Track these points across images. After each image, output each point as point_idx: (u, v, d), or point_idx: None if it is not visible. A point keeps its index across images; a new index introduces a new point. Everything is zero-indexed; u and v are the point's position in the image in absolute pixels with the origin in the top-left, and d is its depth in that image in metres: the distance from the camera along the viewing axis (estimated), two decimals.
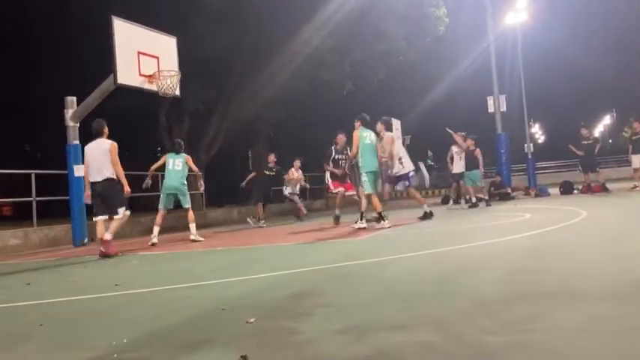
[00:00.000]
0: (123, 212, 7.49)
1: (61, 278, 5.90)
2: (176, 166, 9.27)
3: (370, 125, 9.48)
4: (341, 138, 11.04)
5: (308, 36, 18.09)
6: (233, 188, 10.57)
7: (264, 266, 5.47)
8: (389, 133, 9.92)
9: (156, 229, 9.04)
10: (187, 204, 9.29)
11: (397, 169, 9.96)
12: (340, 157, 10.93)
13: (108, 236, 7.31)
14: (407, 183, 10.20)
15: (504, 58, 23.35)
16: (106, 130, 7.68)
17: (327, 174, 11.13)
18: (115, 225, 7.42)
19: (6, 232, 10.19)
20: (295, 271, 4.85)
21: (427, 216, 9.79)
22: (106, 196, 7.44)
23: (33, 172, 10.89)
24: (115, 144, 7.55)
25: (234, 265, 5.97)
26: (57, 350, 2.75)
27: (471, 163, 13.38)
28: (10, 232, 10.27)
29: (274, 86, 19.23)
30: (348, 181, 11.04)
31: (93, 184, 7.49)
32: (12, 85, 19.21)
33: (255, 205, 13.11)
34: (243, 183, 13.22)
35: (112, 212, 7.44)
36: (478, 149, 13.48)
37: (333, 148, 11.04)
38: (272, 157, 13.39)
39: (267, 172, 13.06)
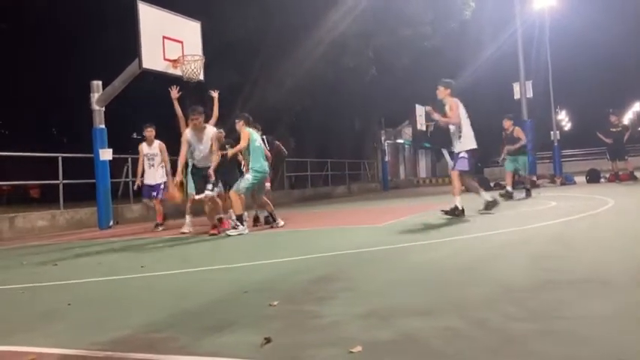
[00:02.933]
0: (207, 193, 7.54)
1: (87, 260, 6.00)
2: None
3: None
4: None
5: (332, 21, 17.98)
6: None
7: (287, 251, 5.49)
8: (454, 99, 7.99)
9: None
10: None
11: (454, 145, 8.00)
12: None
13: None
14: (454, 164, 8.02)
15: (531, 44, 22.95)
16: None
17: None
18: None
19: (33, 215, 10.39)
20: (318, 255, 4.86)
21: (455, 211, 7.81)
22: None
23: (60, 155, 11.07)
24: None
25: (257, 249, 6.00)
26: (85, 329, 2.79)
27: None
28: (37, 214, 10.47)
29: (298, 72, 19.17)
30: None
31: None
32: (40, 70, 19.47)
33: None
34: None
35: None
36: (517, 128, 11.96)
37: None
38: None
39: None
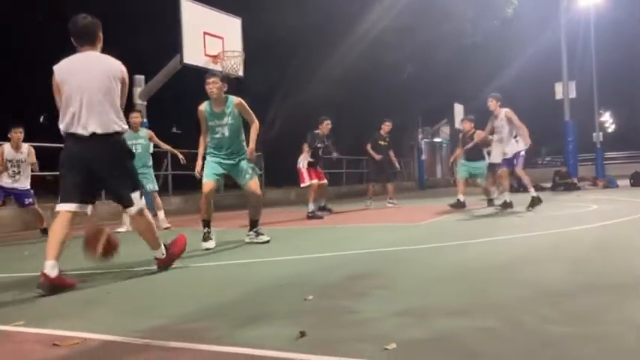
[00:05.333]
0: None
1: (128, 249, 6.14)
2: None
3: None
4: (327, 124, 9.95)
5: (371, 17, 17.91)
6: (292, 169, 10.27)
7: (321, 247, 5.51)
8: (506, 109, 8.84)
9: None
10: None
11: (512, 148, 8.72)
12: (321, 144, 9.87)
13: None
14: (515, 162, 8.74)
15: (575, 42, 22.37)
16: None
17: (304, 161, 9.76)
18: None
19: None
20: (352, 252, 4.87)
21: (507, 205, 8.80)
22: None
23: None
24: None
25: (291, 244, 6.05)
26: (125, 317, 2.87)
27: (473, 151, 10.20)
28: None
29: (335, 69, 19.18)
30: (320, 170, 10.02)
31: None
32: None
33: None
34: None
35: None
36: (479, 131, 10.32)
37: (316, 132, 9.86)
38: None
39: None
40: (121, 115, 3.92)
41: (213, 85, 5.54)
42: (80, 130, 3.76)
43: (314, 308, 2.84)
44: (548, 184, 16.00)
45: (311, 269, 4.13)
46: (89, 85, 3.77)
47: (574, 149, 18.05)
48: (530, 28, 25.48)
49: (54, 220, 3.81)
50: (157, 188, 8.68)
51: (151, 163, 8.47)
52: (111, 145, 3.85)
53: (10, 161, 7.87)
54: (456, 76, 23.98)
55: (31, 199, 8.12)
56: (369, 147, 11.85)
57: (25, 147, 8.02)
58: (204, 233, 5.65)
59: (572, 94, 18.37)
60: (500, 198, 9.30)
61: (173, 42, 9.79)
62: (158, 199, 8.57)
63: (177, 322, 2.69)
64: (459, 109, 22.16)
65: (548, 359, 1.95)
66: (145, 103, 10.74)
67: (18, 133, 7.89)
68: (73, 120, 3.77)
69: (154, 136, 8.47)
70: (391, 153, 12.00)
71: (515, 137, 8.74)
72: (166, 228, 8.19)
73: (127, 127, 4.00)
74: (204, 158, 5.78)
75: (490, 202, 9.72)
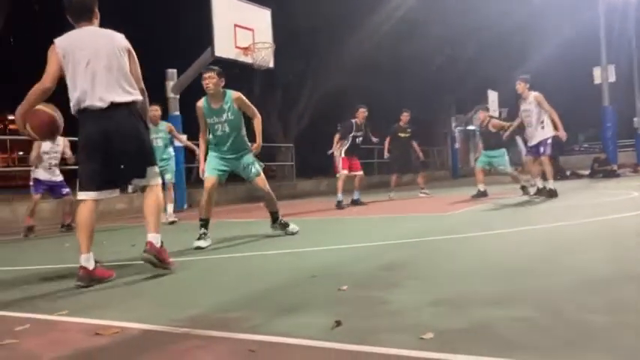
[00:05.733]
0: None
1: (164, 240, 6.25)
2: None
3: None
4: (362, 112, 9.82)
5: (404, 4, 17.71)
6: (322, 160, 10.24)
7: (354, 237, 5.50)
8: (535, 92, 8.62)
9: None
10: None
11: (537, 135, 8.56)
12: (358, 133, 9.79)
13: None
14: (542, 150, 8.57)
15: (613, 24, 21.66)
16: None
17: (342, 149, 9.73)
18: None
19: (113, 198, 10.91)
20: (385, 243, 4.85)
21: (551, 193, 8.61)
22: None
23: None
24: None
25: (322, 235, 6.06)
26: (163, 306, 2.93)
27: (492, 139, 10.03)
28: (116, 197, 10.97)
29: (365, 57, 19.06)
30: (357, 159, 10.03)
31: None
32: None
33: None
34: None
35: None
36: (495, 120, 10.48)
37: (353, 122, 9.77)
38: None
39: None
40: (134, 85, 3.77)
41: (209, 81, 5.27)
42: (97, 103, 3.61)
43: (348, 298, 2.84)
44: (586, 172, 15.63)
45: (344, 260, 4.13)
46: (97, 60, 3.62)
47: (613, 135, 17.57)
48: (566, 10, 24.80)
49: (78, 212, 3.78)
50: (174, 180, 8.73)
51: (171, 155, 8.55)
52: (129, 114, 3.71)
53: (46, 153, 8.02)
54: (490, 61, 23.56)
55: (67, 189, 8.25)
56: (387, 140, 11.75)
57: (60, 139, 8.13)
58: (201, 234, 5.34)
59: (612, 79, 17.85)
60: (533, 186, 9.10)
61: (205, 35, 9.87)
62: (172, 192, 8.60)
63: (214, 311, 2.72)
64: (493, 96, 21.77)
65: (588, 349, 1.91)
66: (178, 96, 10.88)
67: None
68: (85, 96, 3.61)
69: (174, 129, 8.56)
70: (414, 143, 11.82)
71: (542, 123, 8.50)
72: (172, 222, 8.23)
73: (140, 97, 3.80)
74: (206, 156, 5.63)
75: (524, 189, 9.53)
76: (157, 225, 3.86)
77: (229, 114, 5.39)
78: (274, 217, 5.84)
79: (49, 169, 8.08)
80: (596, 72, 18.07)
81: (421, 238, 5.06)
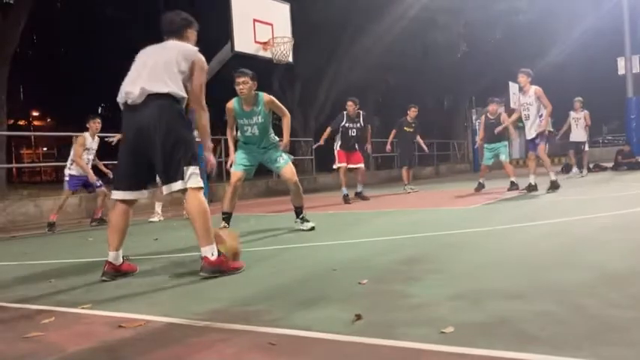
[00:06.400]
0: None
1: (184, 235, 6.33)
2: None
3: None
4: (350, 105, 9.84)
5: None
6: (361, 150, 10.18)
7: (373, 231, 5.50)
8: (536, 86, 8.77)
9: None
10: None
11: (534, 130, 8.78)
12: (350, 125, 9.77)
13: None
14: (537, 141, 8.81)
15: (637, 13, 21.20)
16: None
17: (337, 143, 9.84)
18: None
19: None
20: (405, 236, 4.84)
21: (553, 184, 8.75)
22: None
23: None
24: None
25: (344, 228, 6.06)
26: (185, 300, 2.97)
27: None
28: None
29: (384, 51, 18.96)
30: (357, 152, 9.94)
31: None
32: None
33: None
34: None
35: None
36: (505, 114, 10.45)
37: (344, 113, 9.81)
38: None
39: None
40: (181, 87, 3.59)
41: (243, 86, 5.38)
42: (136, 98, 3.51)
43: (368, 292, 2.85)
44: (610, 164, 15.38)
45: (363, 254, 4.13)
46: (153, 59, 3.63)
47: (638, 127, 17.23)
48: (588, 1, 24.37)
49: (111, 210, 3.81)
50: None
51: None
52: (165, 106, 3.50)
53: (87, 149, 8.29)
54: (509, 54, 23.26)
55: (100, 182, 8.47)
56: (392, 134, 11.77)
57: (96, 137, 8.52)
58: (221, 227, 5.25)
59: (636, 69, 17.49)
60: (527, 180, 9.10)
61: (225, 30, 9.90)
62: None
63: (234, 305, 2.76)
64: (514, 89, 21.49)
65: (610, 344, 1.90)
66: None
67: (97, 124, 8.42)
68: (127, 87, 3.57)
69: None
70: (419, 137, 11.82)
71: (541, 118, 8.70)
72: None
73: (185, 95, 3.62)
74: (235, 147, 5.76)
75: (512, 184, 9.65)
76: (206, 235, 3.50)
77: (260, 117, 5.52)
78: (298, 212, 5.88)
79: (87, 164, 8.31)
80: (620, 62, 17.73)
81: (441, 232, 5.04)
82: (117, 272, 3.66)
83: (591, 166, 15.07)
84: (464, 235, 4.83)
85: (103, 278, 3.62)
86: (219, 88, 8.30)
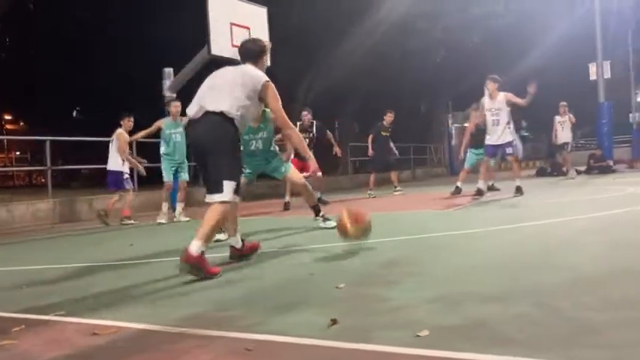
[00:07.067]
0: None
1: (160, 240, 6.27)
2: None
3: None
4: (305, 115, 10.05)
5: (399, 2, 17.70)
6: (320, 158, 10.15)
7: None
8: (504, 92, 8.97)
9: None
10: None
11: (504, 136, 8.92)
12: (303, 135, 9.21)
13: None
14: (510, 151, 9.00)
15: (610, 20, 21.67)
16: None
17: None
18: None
19: (111, 197, 10.89)
20: (383, 240, 4.85)
21: (519, 190, 8.88)
22: None
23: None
24: None
25: (321, 232, 6.05)
26: (161, 306, 2.93)
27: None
28: (114, 196, 10.96)
29: (362, 56, 19.04)
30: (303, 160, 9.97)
31: None
32: (114, 59, 20.34)
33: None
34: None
35: None
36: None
37: (298, 124, 9.76)
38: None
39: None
40: (239, 108, 3.79)
41: None
42: (197, 112, 3.81)
43: (346, 296, 2.85)
44: (582, 168, 15.66)
45: (340, 258, 4.13)
46: (222, 80, 3.93)
47: (609, 131, 17.57)
48: (563, 6, 24.82)
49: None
50: (187, 179, 8.80)
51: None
52: (217, 123, 3.74)
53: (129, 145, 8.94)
54: (487, 59, 23.55)
55: (131, 183, 9.11)
56: (370, 138, 11.84)
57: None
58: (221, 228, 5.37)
59: (607, 75, 17.86)
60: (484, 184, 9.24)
61: (201, 33, 9.86)
62: (184, 191, 8.66)
63: (211, 310, 2.73)
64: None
65: (585, 346, 1.92)
66: (175, 95, 10.86)
67: (131, 122, 8.80)
68: (192, 103, 3.89)
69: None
70: (390, 142, 12.01)
71: (509, 125, 8.89)
72: (179, 220, 8.33)
73: (239, 117, 3.82)
74: None
75: (492, 187, 9.90)
76: (205, 236, 3.64)
77: (265, 132, 5.82)
78: (315, 211, 6.01)
79: (123, 162, 8.75)
80: (592, 68, 18.09)
81: (419, 235, 5.06)
82: (240, 254, 4.10)
83: (564, 169, 15.31)
84: (443, 238, 4.86)
85: (230, 260, 4.07)
86: None
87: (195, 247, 3.52)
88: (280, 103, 4.07)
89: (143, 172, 9.01)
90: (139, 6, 18.29)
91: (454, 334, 2.10)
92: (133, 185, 9.10)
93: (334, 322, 2.32)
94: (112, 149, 8.81)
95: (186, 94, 11.77)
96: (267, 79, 4.01)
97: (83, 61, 20.75)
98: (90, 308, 2.95)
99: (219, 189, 3.71)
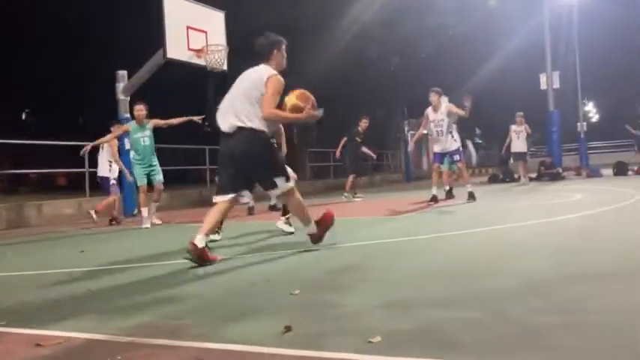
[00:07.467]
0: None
1: (112, 247, 6.11)
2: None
3: None
4: None
5: (355, 10, 17.87)
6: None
7: (307, 241, 5.49)
8: (446, 103, 9.54)
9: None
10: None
11: (449, 144, 9.44)
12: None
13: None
14: (457, 158, 9.54)
15: (559, 33, 22.47)
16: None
17: None
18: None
19: (60, 202, 10.59)
20: (339, 246, 4.86)
21: (472, 196, 9.10)
22: None
23: (86, 144, 11.23)
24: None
25: (277, 238, 6.03)
26: (110, 314, 2.84)
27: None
28: (64, 201, 10.67)
29: (320, 62, 19.11)
30: None
31: None
32: (67, 61, 19.79)
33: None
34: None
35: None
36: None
37: None
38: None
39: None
40: (259, 115, 4.25)
41: None
42: (225, 129, 4.30)
43: (300, 303, 2.83)
44: (534, 174, 16.13)
45: (297, 264, 4.12)
46: (237, 90, 4.38)
47: (558, 139, 18.17)
48: (515, 18, 25.59)
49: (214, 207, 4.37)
50: (162, 180, 8.61)
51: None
52: (247, 138, 4.24)
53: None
54: (441, 68, 24.02)
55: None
56: (342, 141, 12.23)
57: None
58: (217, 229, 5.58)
59: (556, 85, 18.47)
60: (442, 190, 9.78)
61: (157, 36, 9.70)
62: (159, 193, 8.58)
63: (161, 319, 2.67)
64: (444, 101, 22.18)
65: (531, 349, 1.96)
66: (128, 98, 10.65)
67: (122, 129, 8.73)
68: (219, 118, 4.36)
69: (159, 121, 8.52)
70: (364, 148, 12.36)
71: (451, 133, 9.43)
72: (153, 224, 8.21)
73: (260, 125, 4.26)
74: None
75: (449, 192, 10.06)
76: (307, 219, 4.65)
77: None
78: (285, 212, 6.08)
79: (110, 169, 8.91)
80: (542, 78, 18.68)
81: (375, 241, 5.10)
82: (198, 254, 4.10)
83: (516, 176, 15.74)
84: (397, 244, 4.91)
85: (186, 256, 4.10)
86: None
87: (311, 229, 4.63)
88: (276, 97, 4.32)
89: (130, 177, 8.98)
90: (93, 8, 17.88)
91: (405, 340, 2.12)
92: (120, 190, 9.49)
93: (288, 329, 2.30)
94: (102, 155, 9.14)
95: (140, 96, 11.60)
96: (271, 74, 4.34)
97: (33, 62, 20.11)
98: (34, 318, 2.84)
99: (274, 186, 4.39)
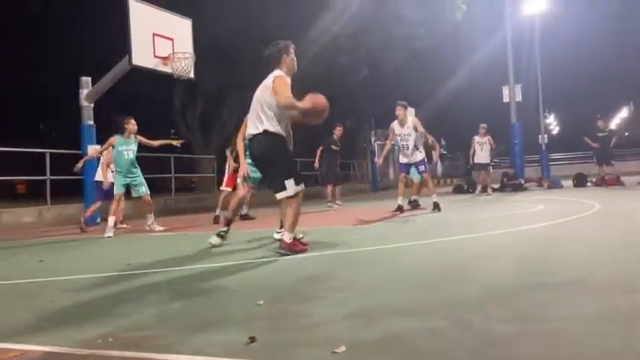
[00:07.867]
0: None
1: (73, 256, 5.97)
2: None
3: None
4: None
5: (324, 21, 17.99)
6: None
7: (274, 250, 5.46)
8: (413, 118, 9.83)
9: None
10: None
11: (415, 156, 9.54)
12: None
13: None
14: (423, 168, 9.64)
15: (522, 48, 23.03)
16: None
17: (229, 165, 9.57)
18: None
19: (20, 210, 10.31)
20: (305, 255, 4.86)
21: (437, 206, 9.19)
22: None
23: (47, 151, 10.98)
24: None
25: (244, 247, 5.98)
26: (70, 326, 2.77)
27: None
28: (24, 209, 10.39)
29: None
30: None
31: None
32: (26, 65, 19.33)
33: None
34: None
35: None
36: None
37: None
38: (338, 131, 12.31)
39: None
40: (270, 117, 4.76)
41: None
42: (248, 134, 4.95)
43: (265, 313, 2.81)
44: (497, 185, 16.43)
45: (264, 273, 4.09)
46: (255, 97, 4.88)
47: (520, 151, 18.58)
48: (480, 33, 26.15)
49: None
50: (148, 192, 8.58)
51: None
52: (261, 142, 4.80)
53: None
54: (409, 79, 24.32)
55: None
56: (319, 150, 12.29)
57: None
58: (225, 231, 5.78)
59: (519, 98, 18.90)
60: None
61: (123, 42, 9.57)
62: (149, 204, 8.60)
63: (123, 330, 2.61)
64: (410, 112, 22.44)
65: (494, 358, 1.99)
66: (92, 105, 10.46)
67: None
68: (249, 124, 4.95)
69: (142, 138, 8.56)
70: (338, 156, 12.56)
71: (416, 147, 9.57)
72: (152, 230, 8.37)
73: (272, 128, 4.75)
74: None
75: (414, 202, 10.16)
76: (291, 228, 4.88)
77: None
78: (227, 223, 5.99)
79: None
80: (505, 91, 19.09)
81: (342, 250, 5.11)
82: (288, 247, 4.81)
83: (479, 187, 16.00)
84: (362, 253, 4.92)
85: (279, 251, 4.79)
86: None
87: (287, 237, 4.79)
88: (285, 88, 4.61)
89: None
90: (61, 12, 17.53)
91: (370, 350, 2.12)
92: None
93: (252, 340, 2.28)
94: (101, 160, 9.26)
95: (106, 104, 11.39)
96: (276, 75, 4.69)
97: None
98: None
99: (283, 187, 4.76)
